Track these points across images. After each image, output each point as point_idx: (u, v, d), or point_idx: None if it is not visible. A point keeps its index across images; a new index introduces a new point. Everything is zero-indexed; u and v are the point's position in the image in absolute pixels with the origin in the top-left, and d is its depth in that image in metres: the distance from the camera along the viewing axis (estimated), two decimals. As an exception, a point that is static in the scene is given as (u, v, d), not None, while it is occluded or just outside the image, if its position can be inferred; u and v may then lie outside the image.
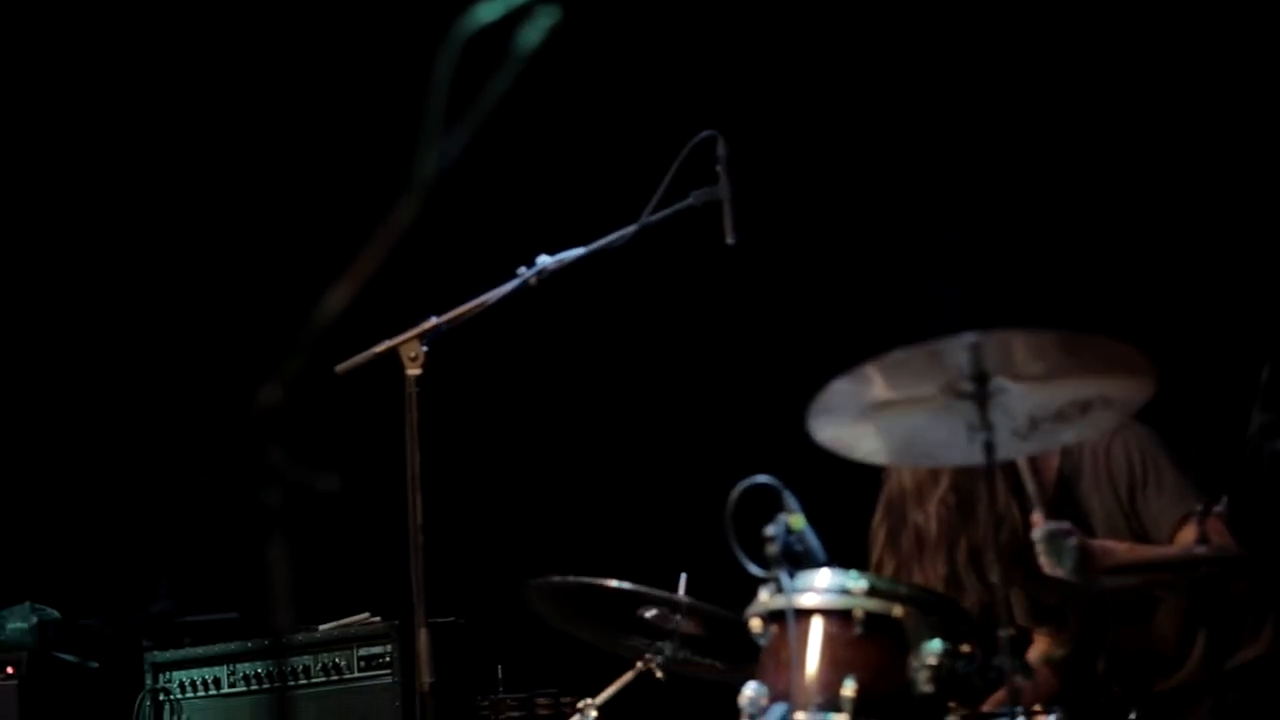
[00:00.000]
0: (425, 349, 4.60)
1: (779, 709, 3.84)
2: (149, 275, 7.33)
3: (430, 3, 3.91)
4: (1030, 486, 4.54)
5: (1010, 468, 4.54)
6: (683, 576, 4.66)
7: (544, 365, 6.89)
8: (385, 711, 5.77)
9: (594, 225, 4.78)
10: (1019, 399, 3.79)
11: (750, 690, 3.89)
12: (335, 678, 5.88)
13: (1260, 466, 4.75)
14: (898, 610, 3.89)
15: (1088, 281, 6.09)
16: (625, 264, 4.88)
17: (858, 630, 3.88)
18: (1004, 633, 3.81)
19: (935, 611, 3.94)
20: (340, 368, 4.64)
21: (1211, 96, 6.07)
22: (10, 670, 6.27)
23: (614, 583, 4.64)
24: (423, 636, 4.53)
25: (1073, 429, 3.95)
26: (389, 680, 5.80)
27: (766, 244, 5.34)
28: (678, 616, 4.66)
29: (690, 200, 4.70)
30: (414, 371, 4.59)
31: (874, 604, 3.90)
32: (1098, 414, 3.88)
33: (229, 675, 6.07)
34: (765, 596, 3.95)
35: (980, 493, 4.46)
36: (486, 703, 5.71)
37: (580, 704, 4.77)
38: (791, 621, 3.86)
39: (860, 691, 3.82)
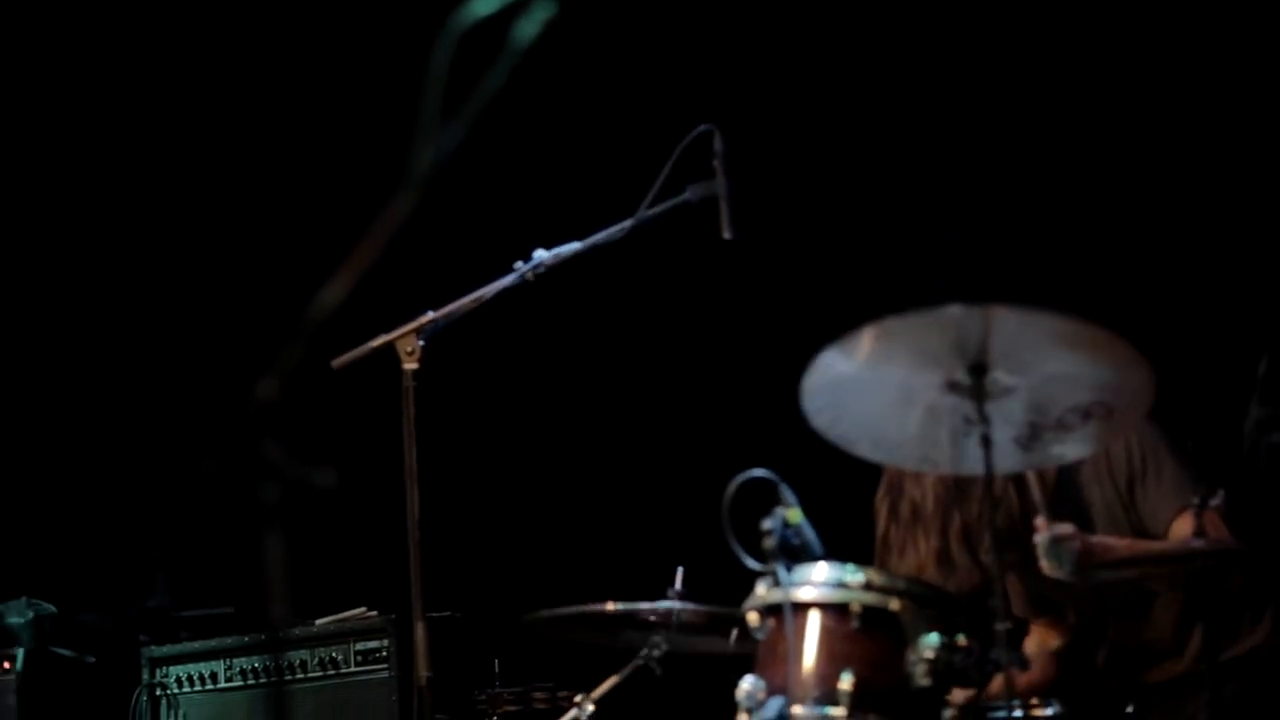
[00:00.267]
0: (422, 344, 4.60)
1: (776, 702, 3.84)
2: (146, 270, 7.33)
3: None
4: (1035, 494, 4.54)
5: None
6: (679, 571, 4.66)
7: (540, 360, 6.89)
8: (382, 706, 5.76)
9: (590, 220, 4.78)
10: (1018, 399, 3.79)
11: (747, 684, 3.89)
12: (332, 672, 5.87)
13: (1258, 460, 4.74)
14: (895, 604, 3.89)
15: (1087, 274, 6.09)
16: (622, 259, 4.88)
17: (855, 624, 3.88)
18: (1001, 626, 3.82)
19: (932, 605, 3.94)
20: (337, 362, 4.64)
21: (1210, 94, 6.07)
22: (7, 665, 6.26)
23: (611, 606, 4.63)
24: (419, 631, 4.53)
25: (1073, 441, 3.95)
26: (386, 675, 5.79)
27: (763, 239, 5.34)
28: (675, 614, 4.65)
29: (687, 195, 4.70)
30: (411, 366, 4.60)
31: (871, 598, 3.90)
32: (1097, 423, 3.88)
33: (226, 670, 6.07)
34: (762, 590, 3.94)
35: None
36: (483, 697, 5.70)
37: (577, 698, 4.77)
38: (789, 615, 3.86)
39: (858, 685, 3.82)
